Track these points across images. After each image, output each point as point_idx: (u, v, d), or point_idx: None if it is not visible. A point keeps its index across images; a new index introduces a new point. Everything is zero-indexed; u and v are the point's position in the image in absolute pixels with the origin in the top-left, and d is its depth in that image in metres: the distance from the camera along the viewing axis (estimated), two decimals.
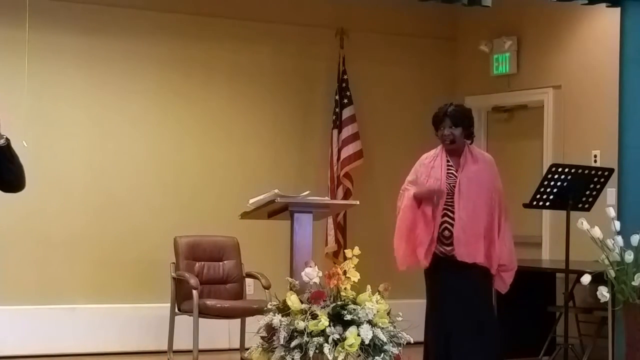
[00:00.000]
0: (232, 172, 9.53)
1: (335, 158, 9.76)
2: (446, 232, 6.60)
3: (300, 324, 6.10)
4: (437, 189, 6.58)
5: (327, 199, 8.13)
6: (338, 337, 6.09)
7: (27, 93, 8.68)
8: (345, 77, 9.85)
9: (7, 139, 5.57)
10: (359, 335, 6.10)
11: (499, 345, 6.76)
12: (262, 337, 6.33)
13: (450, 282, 6.61)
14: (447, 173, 6.65)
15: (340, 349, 6.06)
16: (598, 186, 7.81)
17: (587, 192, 7.81)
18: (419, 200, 6.63)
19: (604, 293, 6.45)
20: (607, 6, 7.81)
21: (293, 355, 6.09)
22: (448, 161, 6.69)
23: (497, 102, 10.07)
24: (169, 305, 8.52)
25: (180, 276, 8.49)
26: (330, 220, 9.55)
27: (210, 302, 8.41)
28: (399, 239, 6.69)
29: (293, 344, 6.10)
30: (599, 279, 6.54)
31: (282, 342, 6.12)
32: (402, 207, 6.70)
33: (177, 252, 8.66)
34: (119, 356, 8.94)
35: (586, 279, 6.42)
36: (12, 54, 8.77)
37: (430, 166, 6.69)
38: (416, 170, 6.75)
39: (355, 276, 6.29)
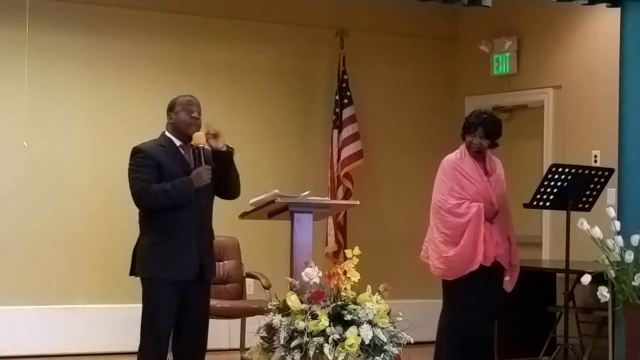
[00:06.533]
0: None
1: (335, 158, 9.75)
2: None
3: (301, 324, 6.10)
4: (497, 211, 6.74)
5: (327, 199, 8.12)
6: (338, 337, 6.08)
7: (27, 93, 8.67)
8: (345, 77, 9.85)
9: (230, 149, 5.99)
10: (359, 335, 6.10)
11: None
12: (262, 337, 6.33)
13: (488, 287, 6.73)
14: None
15: (340, 349, 6.05)
16: (598, 186, 7.81)
17: (587, 192, 7.80)
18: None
19: (604, 293, 6.45)
20: (607, 6, 7.81)
21: (293, 356, 6.08)
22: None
23: (497, 102, 10.05)
24: None
25: None
26: (330, 220, 9.55)
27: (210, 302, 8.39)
28: (468, 248, 6.67)
29: (293, 344, 6.09)
30: (599, 279, 6.53)
31: (282, 342, 6.12)
32: (474, 218, 6.68)
33: None
34: (119, 356, 8.93)
35: (586, 279, 6.42)
36: (12, 54, 8.77)
37: (465, 171, 6.78)
38: (455, 178, 6.78)
39: (355, 276, 6.29)
